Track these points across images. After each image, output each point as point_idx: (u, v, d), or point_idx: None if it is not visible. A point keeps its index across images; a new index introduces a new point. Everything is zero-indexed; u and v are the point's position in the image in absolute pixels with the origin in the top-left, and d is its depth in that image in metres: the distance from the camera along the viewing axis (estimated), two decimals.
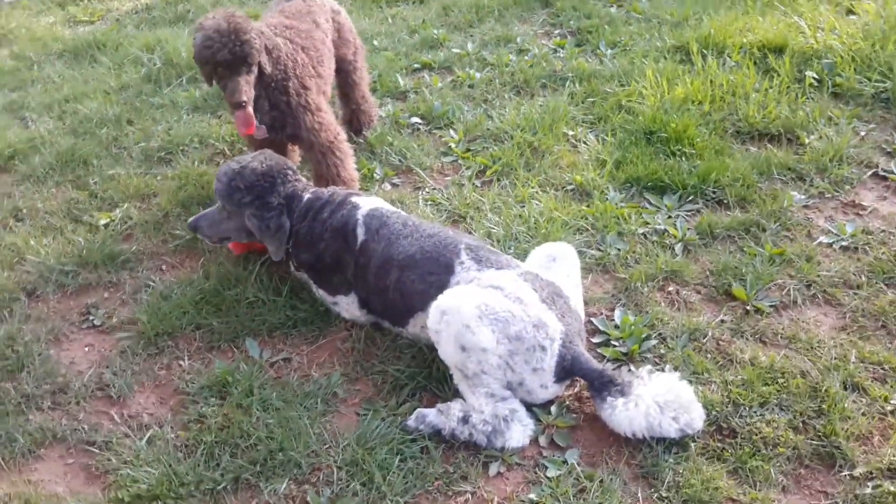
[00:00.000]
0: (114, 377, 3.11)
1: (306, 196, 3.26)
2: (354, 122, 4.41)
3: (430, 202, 3.93)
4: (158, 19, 6.56)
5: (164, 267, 3.68)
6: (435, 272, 2.91)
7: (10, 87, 5.56)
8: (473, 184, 4.02)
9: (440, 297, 2.75)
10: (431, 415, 2.75)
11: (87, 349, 3.28)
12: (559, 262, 3.05)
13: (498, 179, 4.06)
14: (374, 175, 4.14)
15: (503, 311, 2.68)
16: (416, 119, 4.63)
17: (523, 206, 3.78)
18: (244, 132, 3.44)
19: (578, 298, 3.04)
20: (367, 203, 3.20)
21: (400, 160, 4.25)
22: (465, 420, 2.68)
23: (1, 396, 3.03)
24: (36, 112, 5.12)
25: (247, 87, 3.27)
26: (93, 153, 4.53)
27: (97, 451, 2.82)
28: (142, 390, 3.07)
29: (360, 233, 3.09)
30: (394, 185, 4.11)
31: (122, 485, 2.67)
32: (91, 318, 3.42)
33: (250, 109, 3.38)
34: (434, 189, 4.05)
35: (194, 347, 3.23)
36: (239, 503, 2.60)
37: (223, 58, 3.23)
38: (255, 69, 3.32)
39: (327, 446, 2.77)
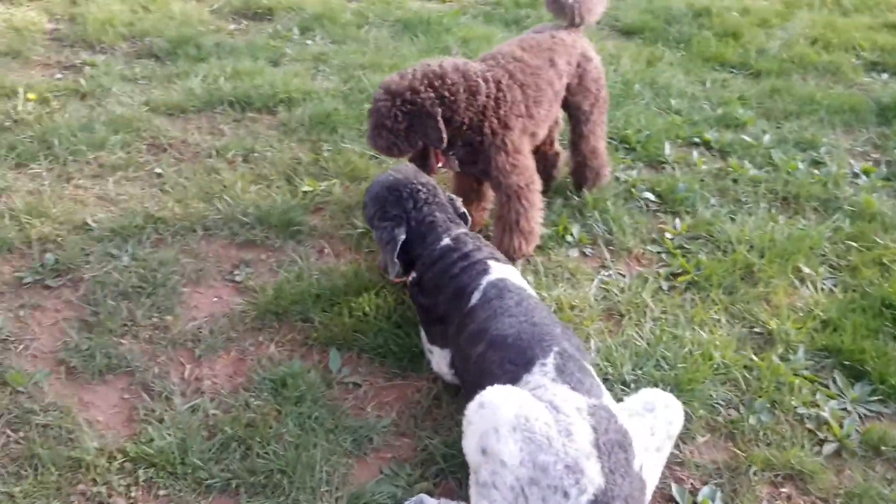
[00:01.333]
0: (208, 335, 3.22)
1: (445, 241, 3.10)
2: (577, 175, 4.14)
3: (602, 287, 3.60)
4: (496, 16, 6.65)
5: (324, 251, 3.73)
6: (515, 363, 2.63)
7: (332, 39, 5.97)
8: (659, 285, 3.59)
9: (489, 388, 2.49)
10: None
11: (214, 300, 3.44)
12: (655, 414, 2.62)
13: (686, 289, 3.58)
14: (568, 236, 3.86)
15: (542, 433, 2.35)
16: (649, 194, 4.24)
17: (690, 330, 3.29)
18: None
19: (655, 463, 2.59)
20: (498, 271, 2.97)
21: (604, 231, 3.92)
22: None
23: (114, 312, 3.27)
24: (331, 69, 5.43)
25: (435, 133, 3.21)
26: (345, 123, 4.69)
27: (148, 398, 2.95)
28: (223, 358, 3.15)
29: (475, 297, 2.89)
30: (582, 253, 3.80)
31: (139, 440, 2.76)
32: (236, 273, 3.58)
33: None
34: (617, 275, 3.70)
35: (289, 338, 3.25)
36: None
37: (385, 124, 3.20)
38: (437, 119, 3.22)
39: (325, 489, 2.65)
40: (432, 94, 3.22)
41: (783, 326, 3.39)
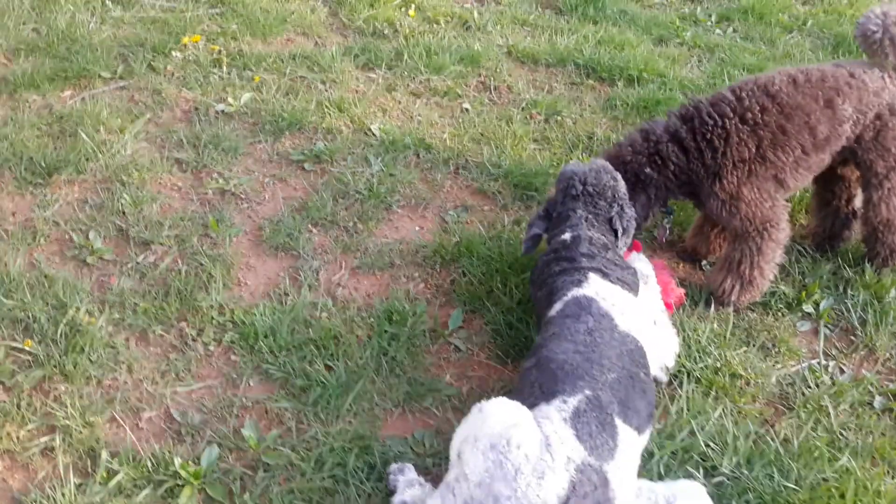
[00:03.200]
0: (378, 254, 3.43)
1: (565, 235, 2.86)
2: (868, 246, 3.44)
3: (798, 373, 3.06)
4: None
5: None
6: (542, 389, 2.37)
7: (745, 34, 5.59)
8: (871, 398, 2.97)
9: (497, 398, 2.34)
10: (408, 477, 2.47)
11: (416, 228, 3.62)
12: None
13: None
14: (808, 305, 3.28)
15: (515, 464, 2.14)
16: None
17: (860, 460, 2.68)
18: None
19: None
20: (593, 286, 2.65)
21: (859, 318, 3.25)
22: None
23: (325, 205, 3.63)
24: (714, 62, 5.15)
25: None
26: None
27: (289, 283, 3.27)
28: (375, 277, 3.34)
29: (556, 307, 2.65)
30: (813, 331, 3.22)
31: (252, 310, 3.10)
32: (450, 212, 3.72)
33: None
34: (832, 369, 3.10)
35: (439, 283, 3.33)
36: None
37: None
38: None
39: (347, 419, 2.74)
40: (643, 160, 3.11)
41: None
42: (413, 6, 5.40)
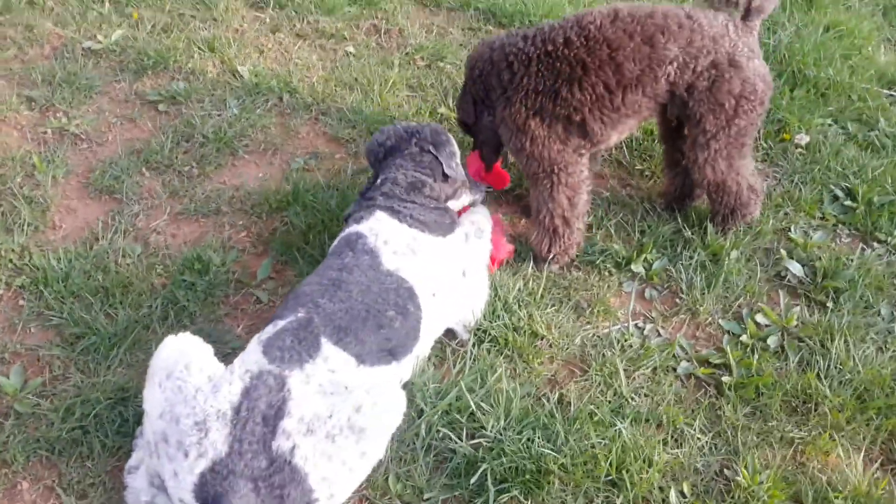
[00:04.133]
0: (206, 200, 3.34)
1: (380, 178, 2.84)
2: (711, 209, 3.28)
3: (608, 336, 2.96)
4: None
5: None
6: (281, 311, 2.42)
7: None
8: (676, 370, 2.87)
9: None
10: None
11: (259, 175, 3.52)
12: (345, 397, 2.24)
13: (711, 398, 2.75)
14: (639, 266, 3.17)
15: (195, 385, 2.15)
16: (797, 266, 3.22)
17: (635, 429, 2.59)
18: None
19: (325, 452, 2.13)
20: (372, 224, 2.66)
21: (688, 281, 3.13)
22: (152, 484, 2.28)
23: (165, 147, 3.54)
24: None
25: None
26: None
27: (108, 228, 3.20)
28: (196, 223, 3.25)
29: (333, 243, 2.68)
30: (640, 295, 3.10)
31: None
32: (299, 159, 3.61)
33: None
34: (648, 333, 3.00)
35: (258, 233, 3.23)
36: None
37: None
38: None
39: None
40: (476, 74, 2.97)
41: None
42: None
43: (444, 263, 2.67)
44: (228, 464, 2.03)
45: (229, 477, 2.02)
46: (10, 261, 2.96)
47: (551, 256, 3.06)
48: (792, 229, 3.31)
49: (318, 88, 3.96)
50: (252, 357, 2.23)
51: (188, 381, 2.13)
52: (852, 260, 3.15)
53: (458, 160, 2.97)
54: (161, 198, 3.30)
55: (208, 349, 2.28)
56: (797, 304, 3.06)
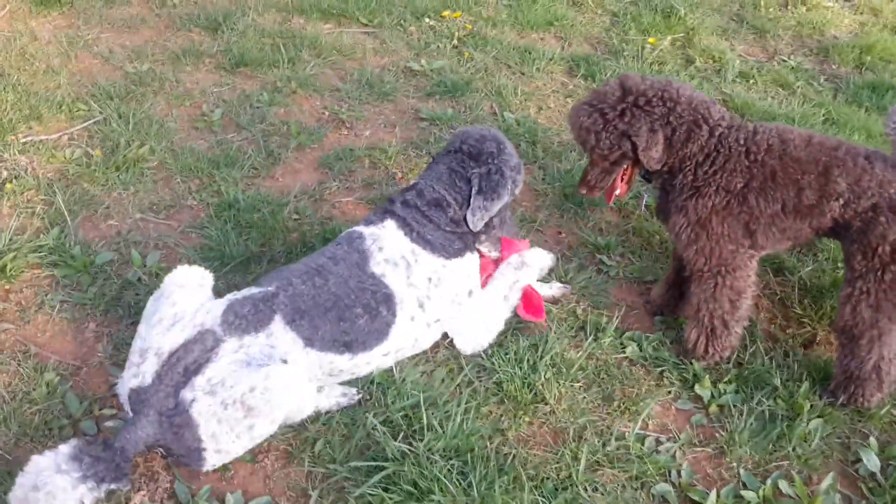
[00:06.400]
0: None
1: (414, 182, 3.08)
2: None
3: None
4: None
5: None
6: (265, 280, 2.80)
7: None
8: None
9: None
10: None
11: None
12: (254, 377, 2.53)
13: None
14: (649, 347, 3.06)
15: (162, 313, 2.61)
16: None
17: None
18: None
19: (216, 415, 2.44)
20: (377, 229, 2.92)
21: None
22: None
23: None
24: None
25: None
26: None
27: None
28: None
29: (339, 236, 3.00)
30: (642, 365, 3.02)
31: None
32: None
33: None
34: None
35: None
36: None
37: (604, 110, 2.97)
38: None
39: None
40: (664, 112, 2.81)
41: None
42: None
43: (443, 283, 2.86)
44: (148, 392, 2.45)
45: (145, 402, 2.44)
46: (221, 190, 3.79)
47: (706, 356, 3.03)
48: None
49: None
50: (216, 309, 2.58)
51: (161, 310, 2.60)
52: None
53: (505, 212, 3.05)
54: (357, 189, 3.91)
55: (207, 281, 2.75)
56: (848, 496, 2.67)
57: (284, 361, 2.55)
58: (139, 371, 2.50)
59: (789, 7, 5.98)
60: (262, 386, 2.42)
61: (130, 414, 2.50)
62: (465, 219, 2.96)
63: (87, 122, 4.13)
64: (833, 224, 2.77)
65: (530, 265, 3.11)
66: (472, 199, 2.93)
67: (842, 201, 2.71)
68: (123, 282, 3.22)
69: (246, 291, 2.70)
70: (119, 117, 4.14)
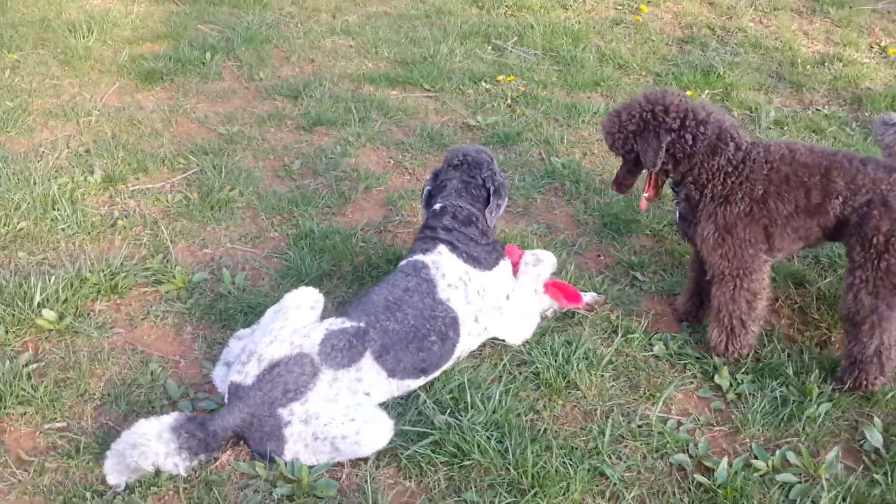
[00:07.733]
0: None
1: (438, 205, 3.43)
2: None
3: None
4: None
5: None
6: (344, 310, 3.16)
7: None
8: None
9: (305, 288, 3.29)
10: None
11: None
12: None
13: None
14: (674, 344, 3.43)
15: (277, 329, 3.01)
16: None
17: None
18: None
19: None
20: (435, 256, 3.27)
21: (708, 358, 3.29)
22: None
23: None
24: None
25: None
26: None
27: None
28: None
29: (402, 262, 3.35)
30: (669, 361, 3.39)
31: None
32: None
33: None
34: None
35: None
36: None
37: (622, 115, 3.43)
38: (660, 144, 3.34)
39: None
40: (674, 124, 3.23)
41: None
42: None
43: (488, 292, 3.28)
44: (247, 391, 2.83)
45: (242, 399, 2.83)
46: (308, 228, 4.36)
47: (727, 353, 3.38)
48: None
49: None
50: (315, 336, 2.90)
51: (277, 322, 3.00)
52: None
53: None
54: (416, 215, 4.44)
55: (319, 304, 3.15)
56: (852, 468, 2.97)
57: (367, 394, 2.95)
58: (243, 370, 2.90)
59: (825, 64, 6.34)
60: (353, 439, 2.79)
61: (227, 401, 2.92)
62: (484, 218, 3.41)
63: (187, 172, 4.75)
64: (836, 222, 3.15)
65: (544, 260, 3.59)
66: (490, 199, 3.42)
67: (841, 199, 3.10)
68: (216, 295, 3.75)
69: (339, 322, 2.99)
70: (213, 168, 4.75)
